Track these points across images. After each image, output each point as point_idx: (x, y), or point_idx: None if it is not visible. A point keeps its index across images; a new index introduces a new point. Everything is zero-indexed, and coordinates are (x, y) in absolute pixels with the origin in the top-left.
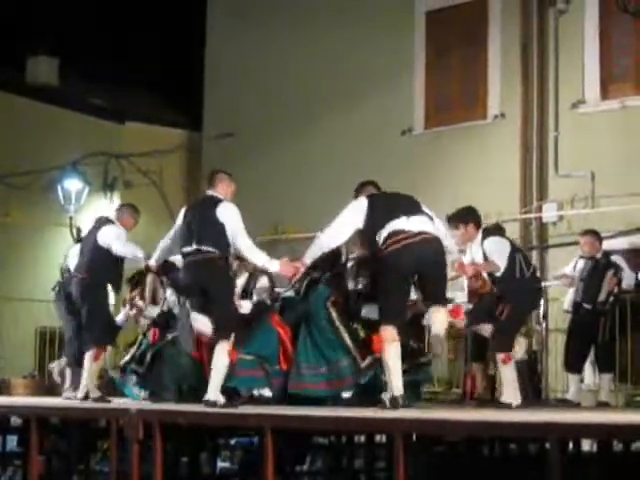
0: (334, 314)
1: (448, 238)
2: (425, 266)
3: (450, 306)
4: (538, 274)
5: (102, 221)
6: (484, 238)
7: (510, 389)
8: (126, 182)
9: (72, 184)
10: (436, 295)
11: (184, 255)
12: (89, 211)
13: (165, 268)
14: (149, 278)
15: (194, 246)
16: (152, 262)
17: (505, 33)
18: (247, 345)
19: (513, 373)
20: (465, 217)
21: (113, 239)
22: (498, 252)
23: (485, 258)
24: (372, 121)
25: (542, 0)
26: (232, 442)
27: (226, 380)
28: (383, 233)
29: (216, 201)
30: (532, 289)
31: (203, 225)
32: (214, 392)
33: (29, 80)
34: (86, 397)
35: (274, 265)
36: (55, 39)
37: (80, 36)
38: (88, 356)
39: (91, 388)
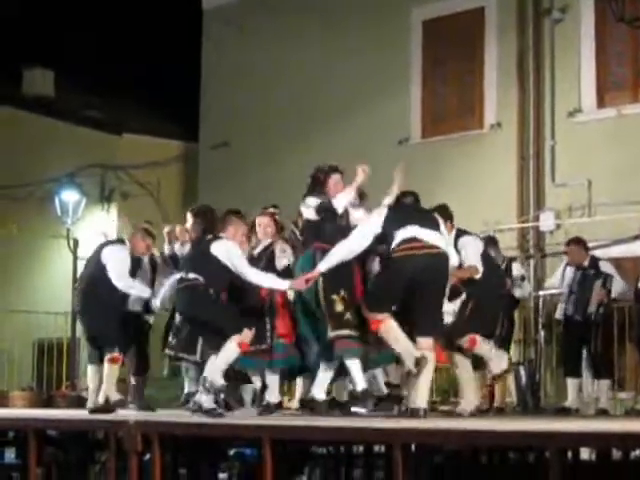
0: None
1: (453, 260)
2: (428, 281)
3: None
4: (506, 278)
5: (112, 241)
6: (459, 236)
7: (469, 393)
8: (123, 194)
9: (69, 196)
10: (425, 321)
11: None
12: (86, 223)
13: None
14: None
15: (182, 275)
16: (157, 303)
17: (501, 42)
18: None
19: (470, 372)
20: (447, 214)
21: (114, 270)
22: (475, 253)
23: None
24: (368, 130)
25: (538, 9)
26: (231, 453)
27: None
28: (397, 238)
29: (213, 238)
30: (498, 294)
31: (195, 257)
32: (212, 372)
33: (25, 92)
34: (107, 401)
35: (284, 284)
36: (51, 51)
37: (76, 48)
38: (106, 360)
39: (111, 393)
